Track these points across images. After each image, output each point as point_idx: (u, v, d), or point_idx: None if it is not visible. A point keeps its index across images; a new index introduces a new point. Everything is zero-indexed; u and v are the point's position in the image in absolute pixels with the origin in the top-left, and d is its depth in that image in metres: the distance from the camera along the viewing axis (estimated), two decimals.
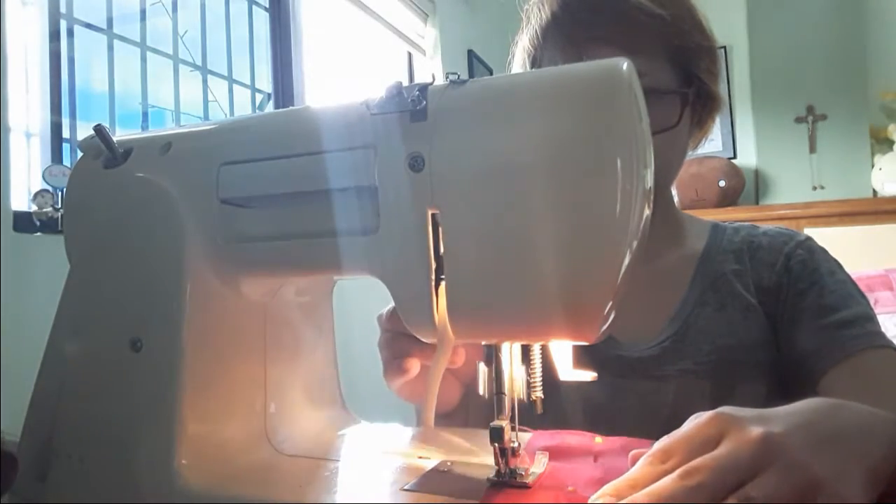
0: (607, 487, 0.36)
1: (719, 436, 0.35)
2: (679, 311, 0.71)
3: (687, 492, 0.32)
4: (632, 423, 0.66)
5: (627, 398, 0.67)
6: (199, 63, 1.94)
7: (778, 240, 0.75)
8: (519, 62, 0.77)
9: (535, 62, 0.74)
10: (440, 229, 0.42)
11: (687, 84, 0.69)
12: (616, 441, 0.48)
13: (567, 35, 0.68)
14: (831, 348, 0.64)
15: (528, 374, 0.48)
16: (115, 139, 0.53)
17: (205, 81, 1.96)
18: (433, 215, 0.42)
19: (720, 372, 0.67)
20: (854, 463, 0.35)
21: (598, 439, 0.48)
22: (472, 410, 0.65)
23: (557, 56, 0.70)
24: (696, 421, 0.37)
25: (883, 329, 2.29)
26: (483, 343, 0.46)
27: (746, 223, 0.79)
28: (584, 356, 0.45)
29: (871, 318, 0.66)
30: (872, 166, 3.16)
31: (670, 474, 0.33)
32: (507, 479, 0.43)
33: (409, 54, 2.88)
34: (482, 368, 0.45)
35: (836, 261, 0.73)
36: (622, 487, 0.35)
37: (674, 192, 0.83)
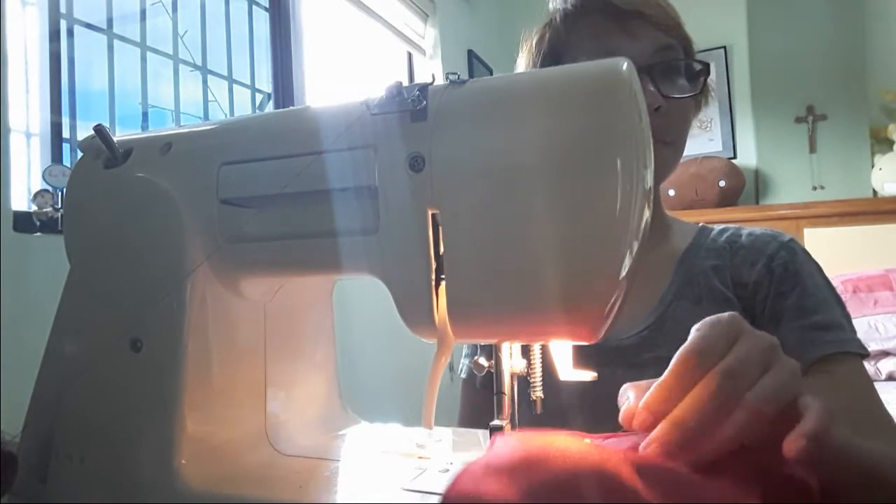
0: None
1: (735, 339, 0.41)
2: (658, 304, 0.74)
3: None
4: (611, 409, 0.67)
5: (606, 386, 0.69)
6: (199, 63, 1.94)
7: (761, 239, 0.76)
8: (530, 51, 0.79)
9: (562, 41, 0.76)
10: (440, 229, 0.42)
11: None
12: (607, 441, 0.48)
13: (606, 8, 0.72)
14: (806, 348, 0.67)
15: (528, 375, 0.48)
16: (115, 139, 0.53)
17: (205, 81, 1.96)
18: (433, 215, 0.42)
19: None
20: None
21: (587, 441, 0.48)
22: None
23: (596, 26, 0.73)
24: (713, 327, 0.42)
25: (882, 329, 2.29)
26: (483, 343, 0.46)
27: (733, 225, 0.81)
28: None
29: (842, 326, 0.70)
30: (872, 166, 3.15)
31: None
32: None
33: (409, 54, 2.88)
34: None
35: (816, 263, 0.76)
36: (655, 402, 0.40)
37: (671, 192, 0.85)
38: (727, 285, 0.73)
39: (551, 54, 0.77)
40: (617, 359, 0.71)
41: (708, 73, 0.76)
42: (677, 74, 0.73)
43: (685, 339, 0.72)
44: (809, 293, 0.71)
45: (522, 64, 0.81)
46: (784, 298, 0.71)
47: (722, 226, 0.81)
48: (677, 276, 0.76)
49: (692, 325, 0.74)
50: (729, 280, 0.74)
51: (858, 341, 0.69)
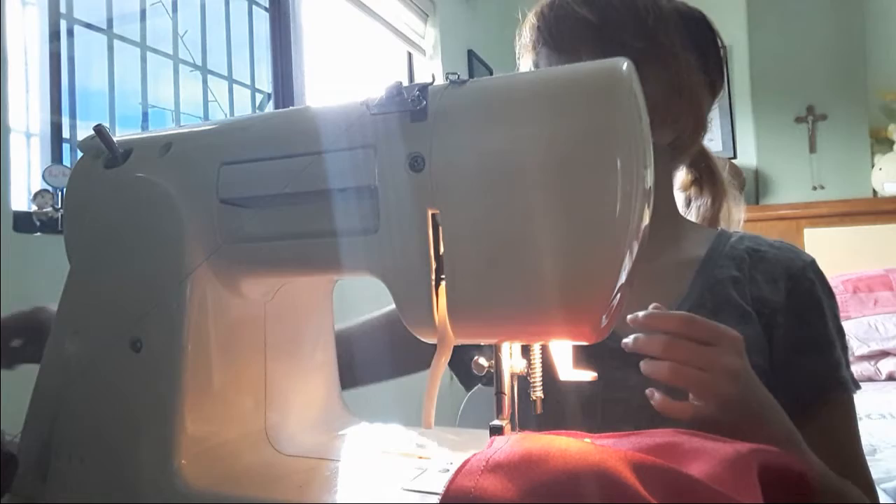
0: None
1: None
2: (677, 310, 0.72)
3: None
4: (623, 414, 0.67)
5: (620, 390, 0.68)
6: (199, 63, 1.94)
7: (783, 254, 0.75)
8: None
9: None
10: (440, 229, 0.42)
11: None
12: (606, 440, 0.48)
13: (526, 44, 0.77)
14: (823, 387, 0.71)
15: (528, 375, 0.48)
16: (115, 139, 0.53)
17: (205, 81, 1.96)
18: (433, 215, 0.42)
19: None
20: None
21: (587, 441, 0.48)
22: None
23: (529, 63, 0.77)
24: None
25: (882, 329, 2.33)
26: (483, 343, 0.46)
27: (750, 233, 0.80)
28: (578, 348, 0.46)
29: (842, 364, 0.73)
30: (872, 166, 3.16)
31: None
32: None
33: (409, 54, 2.88)
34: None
35: (832, 291, 0.77)
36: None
37: (678, 196, 0.85)
38: (746, 299, 0.72)
39: None
40: (632, 364, 0.70)
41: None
42: None
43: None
44: (824, 327, 0.73)
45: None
46: (802, 330, 0.72)
47: (740, 232, 0.80)
48: (696, 283, 0.74)
49: None
50: (748, 294, 0.72)
51: (852, 377, 0.72)
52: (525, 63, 0.78)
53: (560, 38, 0.73)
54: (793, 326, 0.71)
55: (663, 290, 0.74)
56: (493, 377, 0.47)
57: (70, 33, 1.51)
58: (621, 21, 0.72)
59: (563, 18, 0.73)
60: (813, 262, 0.76)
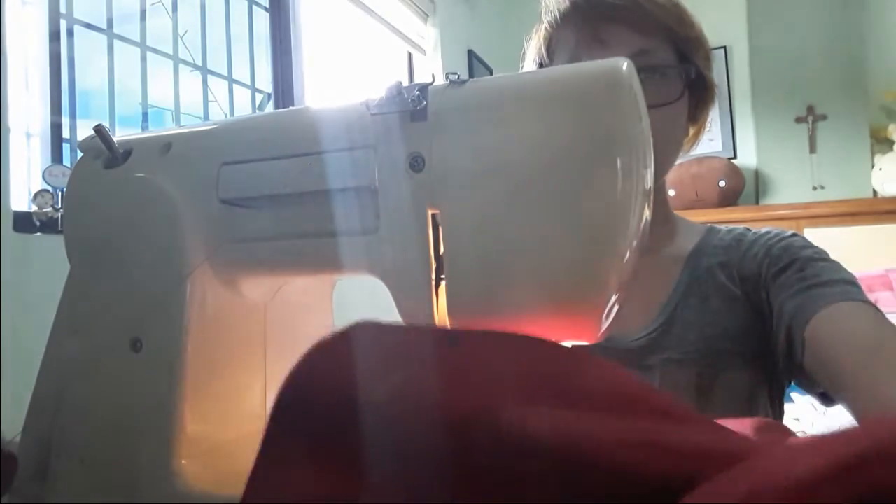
0: None
1: None
2: (666, 305, 0.73)
3: None
4: None
5: None
6: (199, 63, 1.94)
7: (767, 235, 0.76)
8: (533, 53, 0.79)
9: (550, 49, 0.76)
10: (440, 229, 0.42)
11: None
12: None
13: (583, 15, 0.73)
14: (813, 301, 0.63)
15: None
16: (115, 139, 0.53)
17: (205, 81, 1.96)
18: (433, 215, 0.42)
19: (704, 360, 0.69)
20: None
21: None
22: None
23: (571, 37, 0.73)
24: None
25: None
26: None
27: (741, 227, 0.81)
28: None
29: (852, 283, 0.64)
30: (872, 166, 3.16)
31: None
32: None
33: (409, 54, 2.88)
34: None
35: (824, 251, 0.72)
36: None
37: (671, 192, 0.85)
38: (734, 282, 0.72)
39: (548, 49, 0.77)
40: (626, 362, 0.70)
41: (688, 79, 0.72)
42: (655, 80, 0.69)
43: (694, 339, 0.71)
44: (810, 266, 0.68)
45: (529, 59, 0.81)
46: (782, 273, 0.69)
47: (730, 226, 0.81)
48: (684, 275, 0.75)
49: (701, 325, 0.74)
50: (736, 276, 0.73)
51: (870, 301, 0.62)
52: (540, 39, 0.76)
53: (644, 17, 0.70)
54: (773, 279, 0.69)
55: (653, 284, 0.74)
56: None
57: (70, 33, 1.51)
58: (686, 14, 0.73)
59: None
60: (794, 234, 0.75)
